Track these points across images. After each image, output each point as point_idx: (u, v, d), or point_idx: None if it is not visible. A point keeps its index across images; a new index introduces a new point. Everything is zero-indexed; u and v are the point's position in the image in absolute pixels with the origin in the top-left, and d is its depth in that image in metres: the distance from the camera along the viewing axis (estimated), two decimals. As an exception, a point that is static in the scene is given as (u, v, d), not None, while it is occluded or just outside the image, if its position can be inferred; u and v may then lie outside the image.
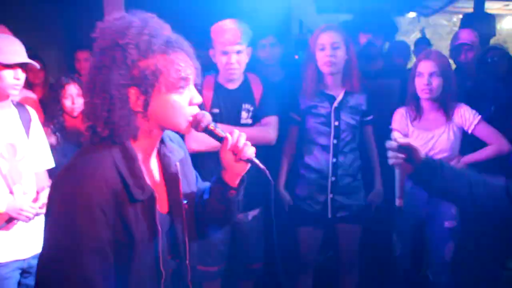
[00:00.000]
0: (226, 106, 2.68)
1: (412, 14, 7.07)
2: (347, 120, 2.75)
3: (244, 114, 2.70)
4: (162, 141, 1.39)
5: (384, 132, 2.85)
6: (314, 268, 2.94)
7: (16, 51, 2.23)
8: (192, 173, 1.53)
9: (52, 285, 1.14)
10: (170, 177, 1.38)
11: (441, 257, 2.74)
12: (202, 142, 2.52)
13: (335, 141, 2.74)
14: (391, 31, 3.40)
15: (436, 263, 2.77)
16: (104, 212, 1.16)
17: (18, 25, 3.13)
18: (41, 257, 1.17)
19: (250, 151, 1.36)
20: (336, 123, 2.74)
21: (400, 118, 2.80)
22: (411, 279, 2.93)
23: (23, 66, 2.27)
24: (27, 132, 2.39)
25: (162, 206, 1.36)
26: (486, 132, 2.64)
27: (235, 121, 2.67)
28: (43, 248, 1.17)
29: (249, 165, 1.38)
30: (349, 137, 2.77)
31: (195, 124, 1.32)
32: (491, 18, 4.55)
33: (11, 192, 2.27)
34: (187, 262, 1.40)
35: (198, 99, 1.30)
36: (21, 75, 2.26)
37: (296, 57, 4.23)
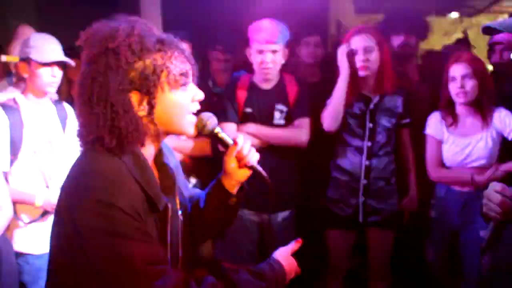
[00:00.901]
0: (259, 106, 2.68)
1: (454, 15, 6.87)
2: (383, 122, 2.69)
3: (277, 115, 2.70)
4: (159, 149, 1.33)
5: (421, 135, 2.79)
6: (344, 274, 2.88)
7: (53, 49, 2.30)
8: (184, 181, 1.47)
9: None
10: (166, 187, 1.30)
11: (476, 269, 2.63)
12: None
13: (369, 144, 2.69)
14: (423, 31, 3.29)
15: (470, 275, 2.66)
16: (140, 215, 1.12)
17: (57, 25, 3.23)
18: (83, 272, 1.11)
19: (255, 158, 1.33)
20: (371, 125, 2.69)
21: (435, 123, 2.71)
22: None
23: (59, 64, 2.34)
24: (64, 128, 2.45)
25: None
26: None
27: (268, 121, 2.67)
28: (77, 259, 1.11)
29: (250, 172, 1.35)
30: (384, 140, 2.70)
31: (200, 126, 1.29)
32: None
33: (48, 187, 2.34)
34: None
35: (200, 95, 1.26)
36: (58, 72, 2.33)
37: None
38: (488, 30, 1.38)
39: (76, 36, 1.21)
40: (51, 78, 2.30)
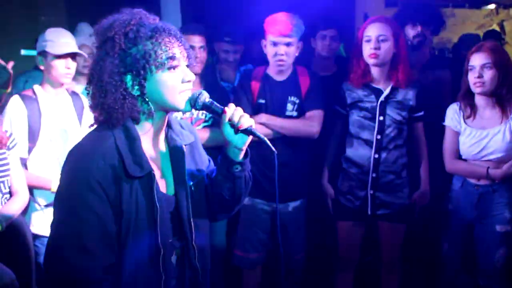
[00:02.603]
0: (272, 97, 2.73)
1: (491, 6, 6.63)
2: (393, 115, 2.67)
3: (289, 106, 2.73)
4: (170, 126, 1.48)
5: (436, 127, 2.75)
6: (355, 267, 2.88)
7: (67, 43, 2.42)
8: (203, 156, 1.58)
9: (56, 251, 1.28)
10: (176, 159, 1.45)
11: (491, 263, 2.57)
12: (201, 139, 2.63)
13: (378, 137, 2.67)
14: (438, 24, 3.22)
15: (486, 269, 2.60)
16: (102, 186, 1.27)
17: (84, 21, 3.37)
18: (51, 224, 1.32)
19: (248, 122, 1.39)
20: (381, 118, 2.67)
21: (452, 114, 2.66)
22: (460, 282, 2.78)
23: (73, 56, 2.46)
24: (80, 119, 2.57)
25: (168, 187, 1.44)
26: None
27: (280, 113, 2.71)
28: (53, 216, 1.33)
29: (250, 137, 1.42)
30: (394, 133, 2.68)
31: (193, 101, 1.38)
32: None
33: (62, 175, 2.46)
34: (193, 243, 1.44)
35: (191, 76, 1.37)
36: (72, 64, 2.45)
37: None
38: None
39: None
40: (66, 69, 2.43)
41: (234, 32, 3.20)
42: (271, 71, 2.75)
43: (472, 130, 2.58)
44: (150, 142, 1.40)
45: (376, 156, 2.67)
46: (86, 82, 1.37)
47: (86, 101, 2.62)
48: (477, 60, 2.49)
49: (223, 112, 1.40)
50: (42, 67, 2.46)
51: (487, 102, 2.56)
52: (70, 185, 1.29)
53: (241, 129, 1.39)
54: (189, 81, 1.37)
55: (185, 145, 1.48)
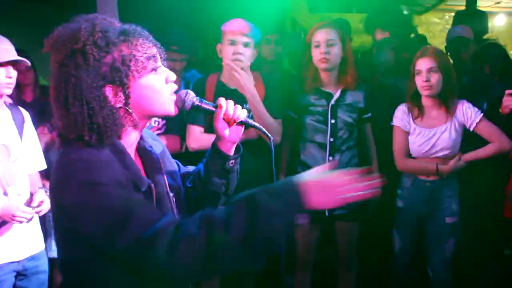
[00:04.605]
0: None
1: (404, 12, 7.09)
2: (344, 117, 2.74)
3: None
4: (140, 137, 1.37)
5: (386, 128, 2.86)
6: (312, 266, 2.92)
7: (6, 49, 2.20)
8: (173, 164, 1.50)
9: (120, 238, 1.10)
10: (154, 173, 1.35)
11: (441, 254, 2.73)
12: (201, 140, 2.54)
13: (331, 139, 2.73)
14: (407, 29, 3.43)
15: (437, 260, 2.76)
16: (128, 184, 1.16)
17: (10, 26, 3.10)
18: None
19: (243, 113, 1.37)
20: (333, 121, 2.73)
21: (401, 115, 2.79)
22: (410, 276, 2.91)
23: (13, 65, 2.24)
24: (20, 134, 2.35)
25: None
26: (488, 130, 2.62)
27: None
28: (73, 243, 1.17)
29: (242, 128, 1.39)
30: (346, 135, 2.75)
31: (181, 102, 1.31)
32: (483, 16, 4.55)
33: (5, 194, 2.23)
34: None
35: (173, 76, 1.29)
36: (13, 73, 2.23)
37: None
38: None
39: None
40: (6, 79, 2.20)
41: (181, 40, 3.12)
42: (225, 78, 2.68)
43: (421, 129, 2.72)
44: (131, 156, 1.28)
45: (331, 158, 2.72)
46: (55, 105, 1.19)
47: (26, 115, 2.43)
48: (423, 64, 2.63)
49: (218, 107, 1.35)
50: None
51: (434, 103, 2.71)
52: (92, 196, 1.11)
53: (237, 121, 1.35)
54: (172, 81, 1.29)
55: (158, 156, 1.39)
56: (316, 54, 2.68)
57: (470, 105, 2.69)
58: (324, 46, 2.65)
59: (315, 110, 2.75)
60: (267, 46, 3.28)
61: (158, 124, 2.74)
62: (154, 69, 1.24)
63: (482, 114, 2.65)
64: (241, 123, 1.37)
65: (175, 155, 1.58)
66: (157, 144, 1.43)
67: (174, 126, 2.76)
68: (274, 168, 1.43)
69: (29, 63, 2.28)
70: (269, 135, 1.39)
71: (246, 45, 2.57)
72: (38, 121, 2.66)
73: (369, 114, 2.84)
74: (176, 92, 1.31)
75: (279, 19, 5.30)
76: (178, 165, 1.54)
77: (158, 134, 2.71)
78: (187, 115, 2.58)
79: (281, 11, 5.45)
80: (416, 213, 2.78)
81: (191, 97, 1.33)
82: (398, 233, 2.85)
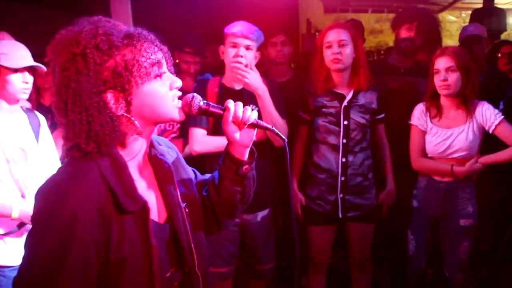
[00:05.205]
0: None
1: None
2: (357, 119, 2.73)
3: None
4: (151, 145, 1.32)
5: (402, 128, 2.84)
6: (326, 269, 2.91)
7: (23, 55, 2.26)
8: (188, 172, 1.45)
9: None
10: (164, 182, 1.30)
11: (456, 256, 2.70)
12: (204, 143, 2.54)
13: (344, 141, 2.72)
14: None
15: (452, 262, 2.72)
16: (87, 232, 1.08)
17: (26, 31, 3.16)
18: (19, 271, 1.10)
19: (253, 115, 1.30)
20: (346, 122, 2.72)
21: (419, 114, 2.76)
22: (425, 277, 2.89)
23: (30, 70, 2.29)
24: (37, 137, 2.40)
25: (159, 215, 1.28)
26: (507, 132, 2.56)
27: None
28: (22, 261, 1.10)
29: (255, 131, 1.32)
30: (359, 136, 2.74)
31: (187, 107, 1.26)
32: (501, 13, 4.50)
33: (23, 197, 2.28)
34: (196, 269, 1.31)
35: (178, 82, 1.24)
36: (29, 78, 2.29)
37: None
38: None
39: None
40: (23, 84, 2.26)
41: (195, 43, 3.14)
42: (227, 80, 2.67)
43: (438, 129, 2.69)
44: (136, 168, 1.24)
45: (344, 160, 2.71)
46: (56, 112, 1.15)
47: (42, 119, 2.48)
48: (441, 63, 2.60)
49: (226, 110, 1.29)
50: None
51: (452, 103, 2.67)
52: (48, 231, 1.07)
53: (247, 123, 1.28)
54: (177, 88, 1.23)
55: (170, 164, 1.33)
56: (328, 55, 2.67)
57: (491, 106, 2.63)
58: (335, 47, 2.64)
59: (328, 111, 2.74)
60: (274, 48, 3.27)
61: (173, 128, 2.76)
62: (159, 75, 1.19)
63: (502, 116, 2.59)
64: (252, 125, 1.30)
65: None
66: (170, 151, 1.39)
67: None
68: (289, 170, 1.39)
69: (45, 69, 2.32)
70: (283, 137, 1.33)
71: (247, 47, 2.56)
72: (56, 125, 2.71)
73: (383, 115, 2.82)
74: (182, 97, 1.27)
75: (293, 20, 5.33)
76: (195, 173, 1.49)
77: (173, 138, 2.72)
78: (188, 118, 2.58)
79: (295, 11, 5.49)
80: (431, 214, 2.75)
81: (198, 101, 1.29)
82: (412, 234, 2.82)
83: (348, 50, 2.66)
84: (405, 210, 2.86)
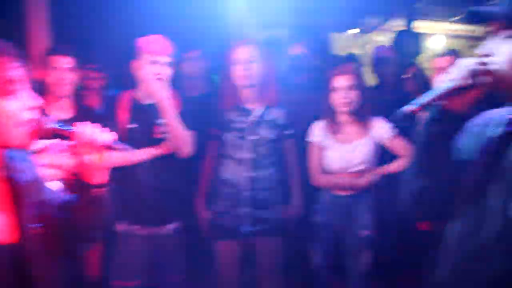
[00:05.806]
0: (141, 121, 2.61)
1: (356, 31, 7.31)
2: (265, 134, 2.77)
3: (159, 129, 2.66)
4: (7, 162, 1.25)
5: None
6: (234, 285, 2.90)
7: None
8: (49, 192, 1.39)
9: None
10: (18, 200, 1.24)
11: (358, 267, 2.77)
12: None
13: (252, 156, 2.75)
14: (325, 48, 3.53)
15: (354, 273, 2.79)
16: None
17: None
18: None
19: (105, 137, 1.27)
20: (254, 137, 2.76)
21: (319, 131, 2.84)
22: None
23: None
24: None
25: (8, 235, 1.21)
26: (400, 145, 2.72)
27: (150, 136, 2.63)
28: None
29: (108, 151, 1.29)
30: (267, 151, 2.78)
31: (38, 129, 1.22)
32: (419, 36, 4.73)
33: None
34: None
35: (33, 103, 1.20)
36: None
37: None
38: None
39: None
40: None
41: (100, 60, 3.10)
42: (139, 94, 2.63)
43: (337, 145, 2.78)
44: None
45: (251, 174, 2.74)
46: None
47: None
48: (341, 81, 2.70)
49: (75, 132, 1.27)
50: None
51: (350, 119, 2.78)
52: None
53: (101, 145, 1.26)
54: (34, 108, 1.19)
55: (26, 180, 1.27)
56: (237, 71, 2.71)
57: (385, 122, 2.77)
58: (244, 63, 2.69)
59: (236, 126, 2.77)
60: (188, 63, 3.29)
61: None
62: (12, 93, 1.14)
63: (396, 131, 2.73)
64: (105, 148, 1.28)
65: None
66: (32, 169, 1.31)
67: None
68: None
69: None
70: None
71: (167, 64, 2.55)
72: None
73: (291, 131, 2.88)
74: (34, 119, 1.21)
75: (222, 34, 5.35)
76: (57, 193, 1.42)
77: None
78: None
79: (224, 28, 5.50)
80: (334, 227, 2.82)
81: (48, 122, 1.25)
82: (317, 248, 2.88)
83: (257, 67, 2.70)
84: (311, 224, 2.91)
